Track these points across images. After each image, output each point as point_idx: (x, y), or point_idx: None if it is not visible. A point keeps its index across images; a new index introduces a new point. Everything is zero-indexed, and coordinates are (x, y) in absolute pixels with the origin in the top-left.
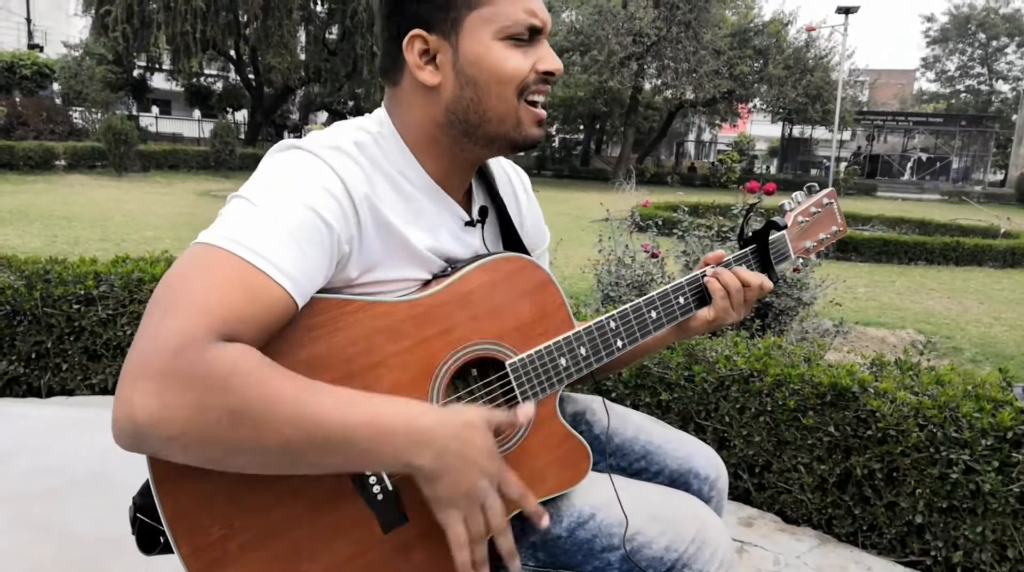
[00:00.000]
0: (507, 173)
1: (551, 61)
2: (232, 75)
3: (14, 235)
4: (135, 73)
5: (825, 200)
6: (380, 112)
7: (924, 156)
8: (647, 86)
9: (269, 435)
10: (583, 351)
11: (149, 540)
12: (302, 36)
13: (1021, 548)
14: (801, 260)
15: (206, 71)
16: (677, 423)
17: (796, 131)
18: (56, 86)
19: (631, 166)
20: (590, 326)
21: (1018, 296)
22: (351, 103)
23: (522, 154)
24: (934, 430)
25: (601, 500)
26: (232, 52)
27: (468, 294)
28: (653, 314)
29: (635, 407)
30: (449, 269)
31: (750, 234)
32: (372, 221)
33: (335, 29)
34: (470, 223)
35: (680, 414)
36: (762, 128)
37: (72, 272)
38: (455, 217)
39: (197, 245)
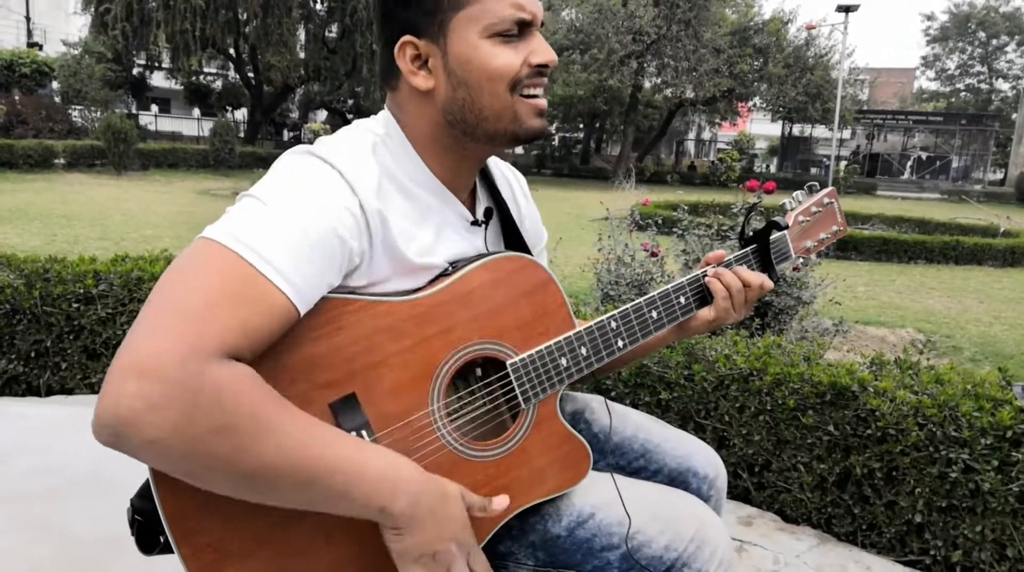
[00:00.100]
0: (506, 176)
1: (543, 53)
2: (231, 73)
3: (13, 234)
4: (134, 71)
5: (826, 199)
6: (385, 114)
7: (924, 155)
8: (647, 84)
9: (250, 459)
10: (584, 351)
11: (149, 540)
12: (301, 34)
13: (1020, 547)
14: (802, 260)
15: (205, 69)
16: (677, 422)
17: (796, 130)
18: (55, 84)
19: (631, 165)
20: (591, 326)
21: (1018, 295)
22: (351, 101)
23: (522, 152)
24: (934, 429)
25: (601, 499)
26: (231, 50)
27: (469, 293)
28: (654, 314)
29: (635, 406)
30: (450, 268)
31: (751, 234)
32: (382, 237)
33: (335, 27)
34: (475, 223)
35: (680, 413)
36: (762, 127)
37: (71, 271)
38: (460, 217)
39: (201, 240)
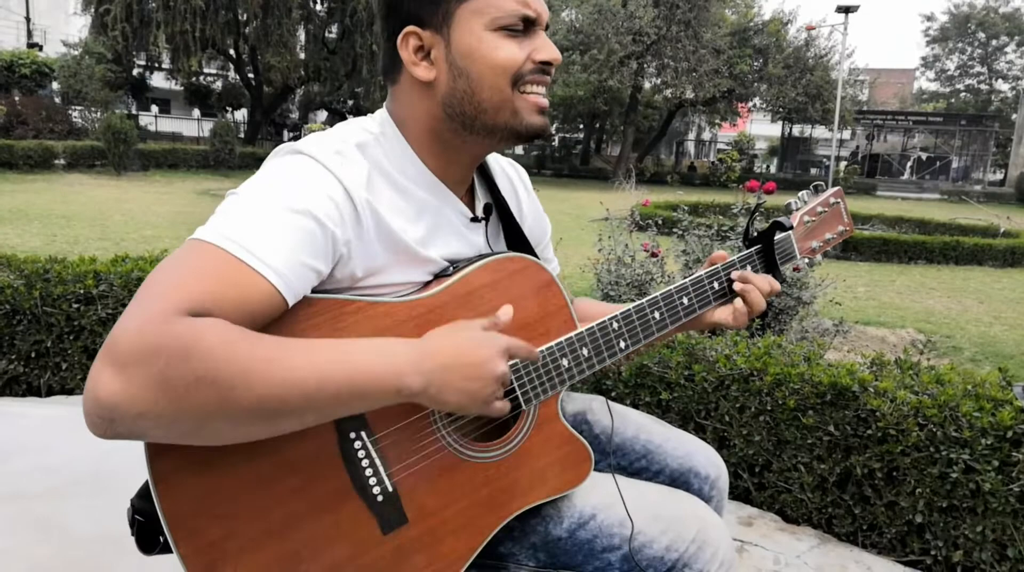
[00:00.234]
0: (506, 171)
1: (548, 51)
2: (231, 74)
3: (13, 234)
4: (134, 72)
5: (832, 199)
6: (381, 112)
7: (924, 155)
8: (647, 85)
9: (241, 398)
10: (585, 352)
11: (149, 540)
12: (301, 35)
13: (1021, 547)
14: (806, 260)
15: (205, 70)
16: (677, 422)
17: (796, 130)
18: (55, 85)
19: (631, 165)
20: (592, 327)
21: (1018, 295)
22: (351, 102)
23: (522, 152)
24: (934, 429)
25: (602, 500)
26: (231, 51)
27: (469, 294)
28: (656, 315)
29: (635, 406)
30: (451, 268)
31: (755, 234)
32: (374, 225)
33: (335, 28)
34: (475, 220)
35: (680, 413)
36: (762, 127)
37: (71, 271)
38: (459, 214)
39: (187, 241)
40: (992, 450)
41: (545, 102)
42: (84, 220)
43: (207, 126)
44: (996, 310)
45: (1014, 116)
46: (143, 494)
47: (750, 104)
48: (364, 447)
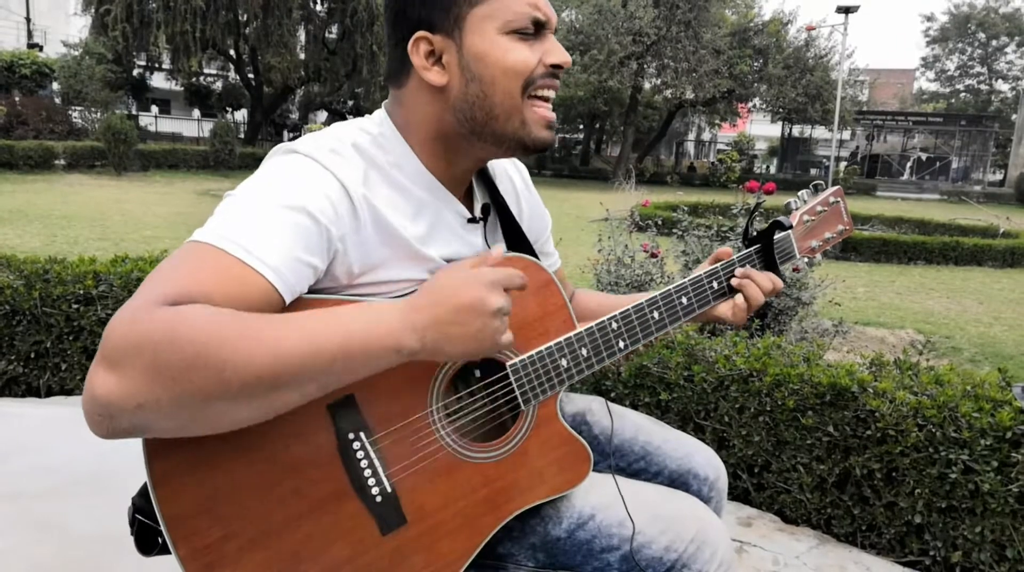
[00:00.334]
0: (506, 170)
1: (559, 54)
2: (232, 74)
3: (13, 235)
4: (135, 72)
5: (831, 198)
6: (380, 113)
7: (924, 156)
8: (647, 85)
9: (235, 377)
10: (584, 352)
11: (148, 541)
12: (302, 35)
13: (1020, 548)
14: (806, 260)
15: (205, 70)
16: (676, 423)
17: (796, 131)
18: (56, 85)
19: (631, 166)
20: (591, 327)
21: (1017, 296)
22: (351, 102)
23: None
24: (933, 430)
25: (601, 501)
26: (232, 51)
27: None
28: (655, 315)
29: (634, 407)
30: None
31: (755, 233)
32: (371, 221)
33: (335, 28)
34: (473, 220)
35: (679, 414)
36: (762, 128)
37: (71, 272)
38: (457, 215)
39: (184, 243)
40: (991, 451)
41: (553, 116)
42: (84, 220)
43: (207, 126)
44: (996, 310)
45: (1014, 116)
46: (144, 493)
47: (750, 104)
48: (363, 447)
